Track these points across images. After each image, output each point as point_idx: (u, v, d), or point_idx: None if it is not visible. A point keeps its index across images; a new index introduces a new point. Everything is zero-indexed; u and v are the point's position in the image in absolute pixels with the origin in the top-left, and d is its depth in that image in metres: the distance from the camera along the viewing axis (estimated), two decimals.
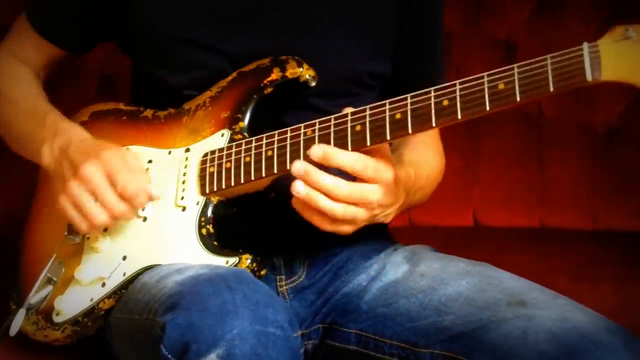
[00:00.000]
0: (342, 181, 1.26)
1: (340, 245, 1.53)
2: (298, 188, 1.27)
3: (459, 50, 2.19)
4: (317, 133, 1.30)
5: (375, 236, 1.54)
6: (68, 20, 1.55)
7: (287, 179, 1.36)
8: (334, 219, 1.28)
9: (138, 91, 1.61)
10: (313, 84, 1.40)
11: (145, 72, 1.53)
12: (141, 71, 1.57)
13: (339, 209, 1.27)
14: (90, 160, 1.37)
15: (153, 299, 1.27)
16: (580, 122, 2.16)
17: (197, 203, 1.39)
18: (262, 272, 1.35)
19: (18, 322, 1.45)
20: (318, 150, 1.27)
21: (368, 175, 1.26)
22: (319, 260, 1.52)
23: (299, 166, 1.27)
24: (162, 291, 1.26)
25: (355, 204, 1.27)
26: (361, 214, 1.28)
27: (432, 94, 1.23)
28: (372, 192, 1.27)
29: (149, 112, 1.52)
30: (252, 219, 1.45)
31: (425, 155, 1.54)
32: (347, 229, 1.30)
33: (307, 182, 1.26)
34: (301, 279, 1.51)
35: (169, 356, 1.19)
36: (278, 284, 1.50)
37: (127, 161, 1.39)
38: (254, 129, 1.40)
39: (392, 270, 1.47)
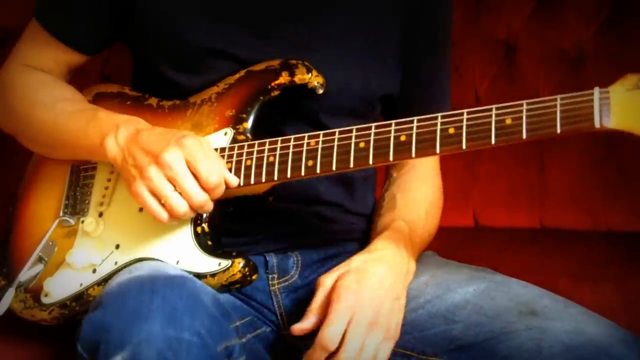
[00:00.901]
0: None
1: (335, 247, 1.53)
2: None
3: (459, 50, 2.17)
4: (320, 145, 1.30)
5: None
6: (85, 22, 1.54)
7: (287, 184, 1.35)
8: None
9: (140, 83, 1.60)
10: (321, 91, 1.39)
11: (152, 70, 1.52)
12: (146, 67, 1.56)
13: None
14: (171, 147, 1.31)
15: (96, 297, 1.29)
16: None
17: None
18: (254, 277, 1.35)
19: (6, 301, 1.45)
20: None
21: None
22: (313, 260, 1.52)
23: None
24: (104, 291, 1.28)
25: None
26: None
27: (439, 120, 1.22)
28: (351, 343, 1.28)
29: (153, 100, 1.51)
30: (248, 220, 1.45)
31: (417, 195, 1.53)
32: None
33: None
34: (294, 279, 1.51)
35: (83, 353, 1.21)
36: (270, 282, 1.50)
37: (206, 149, 1.34)
38: (258, 131, 1.39)
39: None
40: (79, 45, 1.56)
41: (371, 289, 1.31)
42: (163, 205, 1.32)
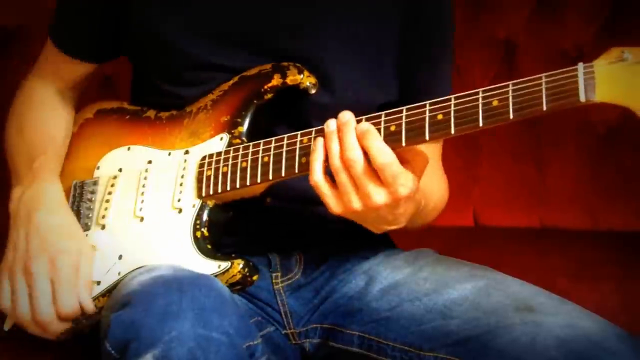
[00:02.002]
0: (362, 158, 1.22)
1: (338, 244, 1.53)
2: (330, 123, 1.26)
3: (459, 50, 2.16)
4: (312, 142, 1.30)
5: (373, 237, 1.54)
6: (88, 34, 1.56)
7: (284, 184, 1.36)
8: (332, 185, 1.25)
9: (139, 94, 1.61)
10: (313, 91, 1.40)
11: (151, 83, 1.53)
12: (145, 80, 1.57)
13: (341, 173, 1.23)
14: (41, 259, 1.38)
15: (116, 297, 1.29)
16: (579, 122, 2.16)
17: (193, 206, 1.39)
18: (255, 277, 1.35)
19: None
20: (365, 125, 1.24)
21: (384, 176, 1.22)
22: (315, 258, 1.52)
23: (346, 115, 1.26)
24: (125, 290, 1.27)
25: (357, 186, 1.23)
26: (355, 202, 1.24)
27: (427, 107, 1.23)
28: (377, 194, 1.23)
29: (151, 113, 1.52)
30: (250, 220, 1.46)
31: (433, 182, 1.51)
32: (331, 202, 1.25)
33: (340, 131, 1.25)
34: (297, 277, 1.51)
35: (112, 351, 1.20)
36: (274, 281, 1.50)
37: (77, 270, 1.39)
38: (254, 134, 1.40)
39: (393, 272, 1.47)
40: (83, 56, 1.59)
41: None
42: (12, 301, 1.39)
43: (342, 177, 1.24)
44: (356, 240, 1.53)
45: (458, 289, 1.36)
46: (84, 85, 1.65)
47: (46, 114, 1.61)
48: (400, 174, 1.22)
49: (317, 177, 1.26)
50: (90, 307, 1.39)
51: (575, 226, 2.14)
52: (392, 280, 1.45)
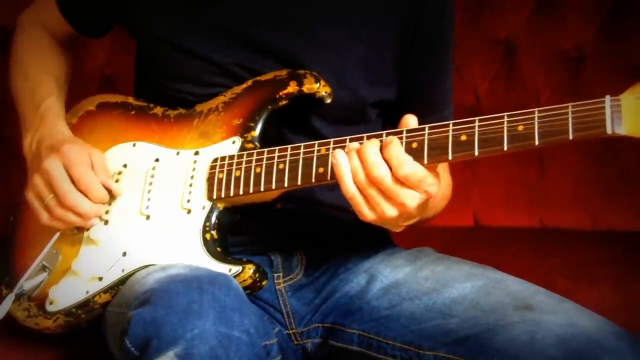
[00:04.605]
0: (388, 173, 1.22)
1: (339, 244, 1.54)
2: (351, 144, 1.26)
3: (459, 50, 2.18)
4: (330, 152, 1.30)
5: (374, 237, 1.55)
6: (87, 7, 1.60)
7: (295, 192, 1.36)
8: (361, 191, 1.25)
9: (143, 90, 1.61)
10: (328, 100, 1.41)
11: (155, 81, 1.54)
12: (149, 77, 1.57)
13: (368, 188, 1.23)
14: (51, 154, 1.43)
15: (133, 294, 1.28)
16: None
17: (203, 207, 1.39)
18: (264, 283, 1.36)
19: (6, 306, 1.46)
20: (389, 137, 1.25)
21: (410, 184, 1.23)
22: (316, 258, 1.53)
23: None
24: (142, 287, 1.27)
25: (388, 196, 1.24)
26: (389, 210, 1.24)
27: (450, 127, 1.23)
28: (411, 199, 1.24)
29: (158, 110, 1.52)
30: (252, 220, 1.46)
31: (441, 173, 1.54)
32: (365, 210, 1.25)
33: (360, 149, 1.24)
34: (299, 277, 1.52)
35: (132, 349, 1.20)
36: (276, 281, 1.51)
37: (85, 157, 1.43)
38: (264, 140, 1.40)
39: (393, 271, 1.47)
40: (78, 26, 1.64)
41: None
42: (46, 206, 1.42)
43: (371, 192, 1.24)
44: (357, 239, 1.53)
45: (458, 288, 1.37)
46: (71, 42, 1.69)
47: (48, 57, 1.65)
48: (426, 176, 1.23)
49: (351, 188, 1.25)
50: (114, 187, 1.44)
51: (575, 226, 2.14)
52: (393, 279, 1.45)
